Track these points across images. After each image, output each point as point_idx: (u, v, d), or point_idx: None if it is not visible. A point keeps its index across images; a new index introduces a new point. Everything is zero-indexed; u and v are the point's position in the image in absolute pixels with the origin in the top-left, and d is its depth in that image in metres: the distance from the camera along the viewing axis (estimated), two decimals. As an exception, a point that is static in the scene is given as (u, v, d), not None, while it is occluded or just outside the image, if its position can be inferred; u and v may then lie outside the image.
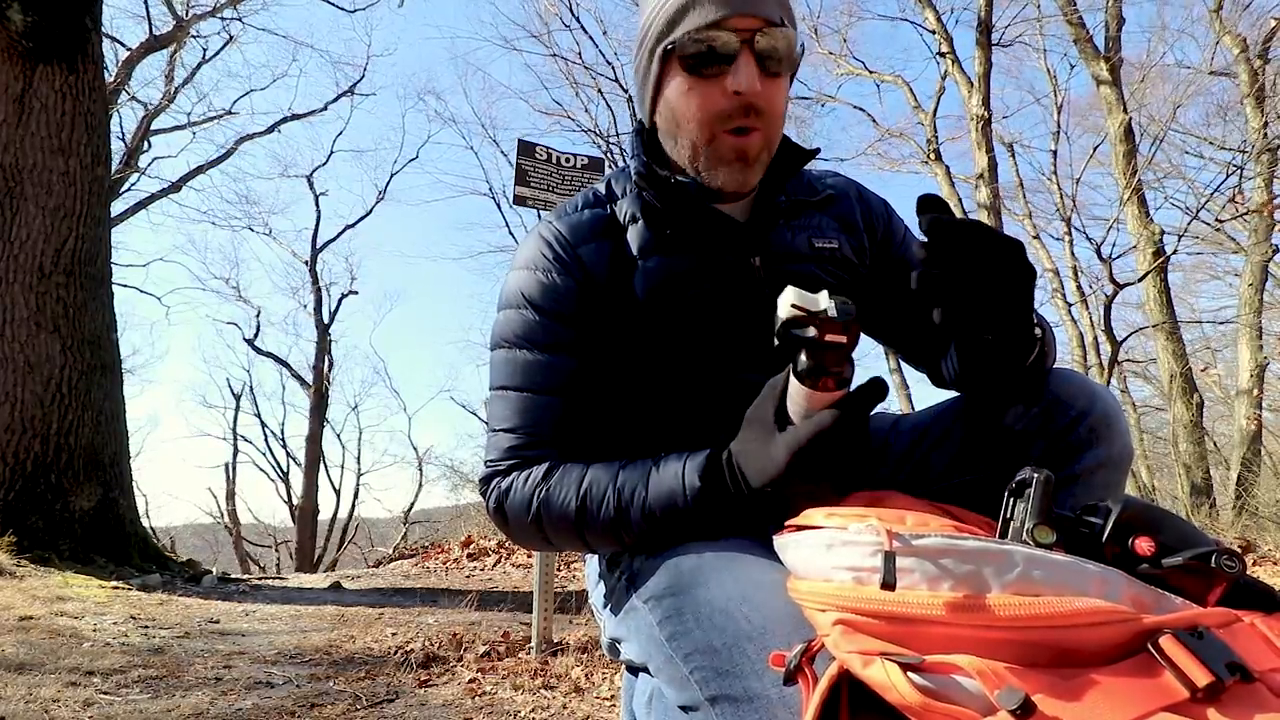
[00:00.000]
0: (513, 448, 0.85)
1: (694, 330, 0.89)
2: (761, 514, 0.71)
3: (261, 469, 18.43)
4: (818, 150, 0.96)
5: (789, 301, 0.63)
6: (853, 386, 0.66)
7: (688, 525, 0.75)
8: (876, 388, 0.66)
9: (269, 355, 17.36)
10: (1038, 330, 0.75)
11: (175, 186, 13.83)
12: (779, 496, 0.68)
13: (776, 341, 0.65)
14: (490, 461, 0.87)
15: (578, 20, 12.50)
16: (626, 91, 12.10)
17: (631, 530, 0.77)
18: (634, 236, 0.91)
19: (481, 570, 4.91)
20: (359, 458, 19.85)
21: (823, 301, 0.63)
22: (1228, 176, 8.04)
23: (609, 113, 13.20)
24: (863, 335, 1.09)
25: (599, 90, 12.85)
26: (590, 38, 15.14)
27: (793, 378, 0.67)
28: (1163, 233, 8.29)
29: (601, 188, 0.97)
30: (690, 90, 0.85)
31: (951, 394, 0.94)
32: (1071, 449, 0.81)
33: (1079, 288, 10.64)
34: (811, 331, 0.63)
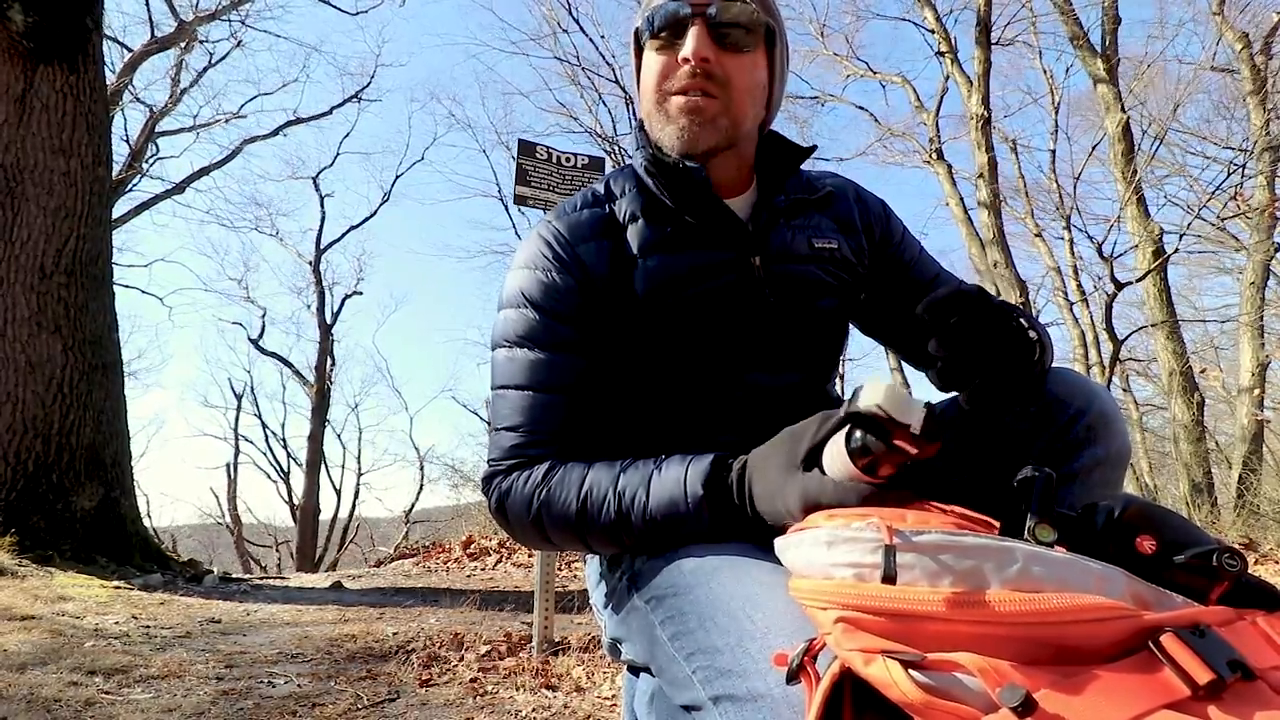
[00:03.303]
0: (514, 446, 0.85)
1: (694, 330, 0.89)
2: (762, 524, 0.71)
3: (262, 469, 18.50)
4: (814, 147, 0.97)
5: (874, 401, 0.54)
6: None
7: (689, 530, 0.74)
8: (929, 484, 0.62)
9: (273, 355, 17.42)
10: (1032, 333, 0.74)
11: (179, 188, 13.83)
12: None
13: (841, 415, 0.58)
14: (492, 460, 0.87)
15: (578, 24, 12.51)
16: (626, 93, 12.10)
17: (632, 533, 0.77)
18: (634, 235, 0.91)
19: (482, 570, 4.91)
20: (360, 457, 19.89)
21: (914, 415, 0.53)
22: (1229, 175, 8.04)
23: (609, 115, 13.21)
24: (861, 335, 1.10)
25: (597, 91, 12.86)
26: (590, 40, 15.13)
27: (841, 437, 0.59)
28: (1163, 232, 8.30)
29: (600, 187, 0.97)
30: (650, 62, 0.91)
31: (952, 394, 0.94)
32: (1070, 447, 0.81)
33: (1079, 287, 10.66)
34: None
